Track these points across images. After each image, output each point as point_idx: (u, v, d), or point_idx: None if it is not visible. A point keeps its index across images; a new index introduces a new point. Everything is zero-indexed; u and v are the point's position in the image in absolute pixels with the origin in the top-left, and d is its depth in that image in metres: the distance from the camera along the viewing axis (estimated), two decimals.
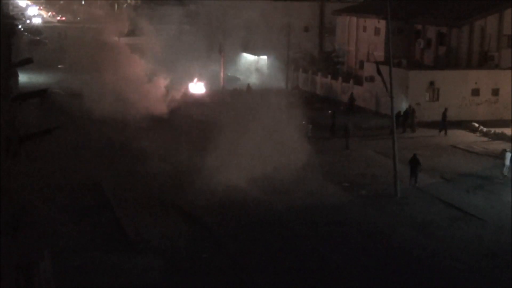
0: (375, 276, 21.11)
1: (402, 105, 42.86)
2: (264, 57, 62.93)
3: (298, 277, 20.99)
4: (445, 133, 41.06)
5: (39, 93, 14.16)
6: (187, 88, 50.88)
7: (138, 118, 40.89)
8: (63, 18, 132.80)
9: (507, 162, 31.59)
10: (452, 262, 22.29)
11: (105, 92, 43.58)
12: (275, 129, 31.44)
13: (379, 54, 50.42)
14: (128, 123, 39.95)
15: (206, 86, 52.89)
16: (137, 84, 45.27)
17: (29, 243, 12.20)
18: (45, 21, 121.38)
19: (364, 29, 56.68)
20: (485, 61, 47.51)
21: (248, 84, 54.02)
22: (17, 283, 11.20)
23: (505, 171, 31.53)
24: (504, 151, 32.34)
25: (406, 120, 41.97)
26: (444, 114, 41.51)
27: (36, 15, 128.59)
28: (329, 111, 43.21)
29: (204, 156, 33.93)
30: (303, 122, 38.79)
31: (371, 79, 46.80)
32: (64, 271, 20.00)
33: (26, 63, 17.59)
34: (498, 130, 40.55)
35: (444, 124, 41.37)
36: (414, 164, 30.71)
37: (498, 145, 37.16)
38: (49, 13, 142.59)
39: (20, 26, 73.81)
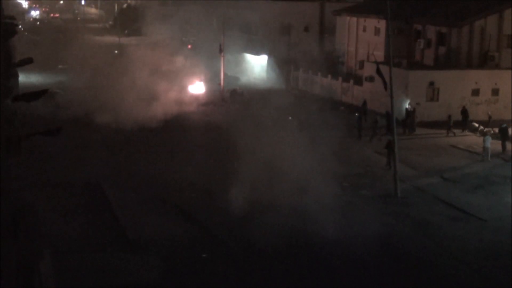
0: (375, 276, 21.12)
1: (402, 105, 42.86)
2: (265, 57, 62.96)
3: (298, 276, 21.01)
4: (462, 131, 41.88)
5: (40, 94, 14.14)
6: (187, 88, 50.86)
7: (138, 121, 40.83)
8: (57, 15, 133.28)
9: (487, 144, 34.90)
10: (452, 262, 22.30)
11: (105, 93, 43.57)
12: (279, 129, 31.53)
13: (379, 54, 50.40)
14: (128, 124, 39.90)
15: (206, 86, 52.86)
16: (137, 85, 45.24)
17: (29, 243, 12.19)
18: (41, 19, 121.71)
19: (364, 29, 56.68)
20: (485, 61, 47.52)
21: (235, 90, 53.10)
22: (17, 283, 11.20)
23: (486, 154, 34.85)
24: (485, 134, 36.22)
25: (407, 120, 42.03)
26: (464, 112, 42.29)
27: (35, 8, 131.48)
28: (356, 114, 43.19)
29: (203, 155, 33.98)
30: (289, 118, 38.99)
31: (371, 79, 46.79)
32: (64, 271, 20.01)
33: (26, 63, 17.55)
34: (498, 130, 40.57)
35: (465, 122, 42.11)
36: (390, 149, 32.09)
37: (497, 145, 37.16)
38: (43, 9, 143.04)
39: (20, 26, 73.77)
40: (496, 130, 40.67)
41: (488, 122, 41.78)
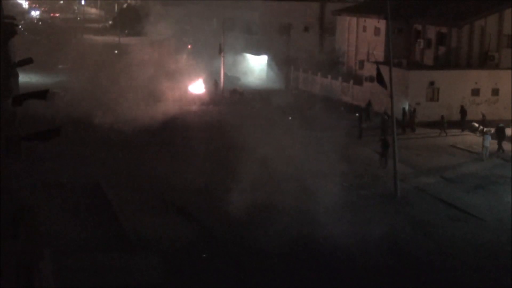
0: (375, 276, 21.11)
1: (402, 106, 42.90)
2: (265, 57, 62.98)
3: (298, 275, 21.00)
4: (462, 130, 42.31)
5: (40, 94, 14.17)
6: (187, 87, 50.89)
7: (138, 121, 40.78)
8: (57, 15, 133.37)
9: (487, 143, 35.49)
10: (452, 262, 22.31)
11: (105, 93, 43.55)
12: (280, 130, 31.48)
13: (379, 54, 50.43)
14: (128, 124, 39.86)
15: (206, 85, 52.90)
16: (137, 85, 45.24)
17: (29, 243, 12.19)
18: (41, 19, 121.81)
19: (364, 29, 56.69)
20: (485, 61, 47.54)
21: (235, 90, 53.77)
22: (17, 283, 11.20)
23: (484, 152, 35.43)
24: (485, 133, 36.95)
25: (403, 120, 42.08)
26: (462, 112, 42.69)
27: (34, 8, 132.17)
28: (356, 114, 43.20)
29: (200, 156, 34.00)
30: (289, 118, 39.01)
31: (371, 79, 46.80)
32: (64, 271, 20.00)
33: (26, 63, 17.58)
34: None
35: (463, 122, 42.55)
36: (385, 146, 33.19)
37: (496, 144, 37.26)
38: (42, 9, 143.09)
39: (20, 26, 73.76)
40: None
41: (482, 122, 41.81)
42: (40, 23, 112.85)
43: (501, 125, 38.15)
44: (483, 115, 42.48)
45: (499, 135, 37.10)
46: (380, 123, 40.88)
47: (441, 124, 41.38)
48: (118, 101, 41.97)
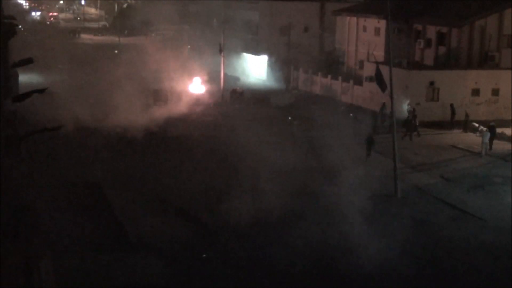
0: (375, 276, 21.10)
1: (403, 106, 42.90)
2: (265, 57, 62.99)
3: (298, 275, 21.00)
4: (451, 128, 42.61)
5: (38, 93, 14.17)
6: (187, 88, 50.87)
7: (138, 121, 40.79)
8: (56, 14, 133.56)
9: (486, 140, 36.22)
10: (452, 262, 22.30)
11: (105, 93, 43.57)
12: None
13: (379, 54, 50.43)
14: (127, 124, 39.88)
15: (206, 86, 52.88)
16: (136, 85, 45.23)
17: (29, 243, 12.20)
18: (42, 20, 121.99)
19: (364, 29, 56.72)
20: (485, 61, 47.55)
21: (235, 90, 53.37)
22: (17, 283, 11.20)
23: (485, 148, 36.05)
24: (483, 130, 37.82)
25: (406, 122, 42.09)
26: (452, 111, 43.04)
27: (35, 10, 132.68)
28: (350, 114, 43.25)
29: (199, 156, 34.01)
30: (289, 118, 38.92)
31: (371, 79, 46.80)
32: (64, 271, 20.00)
33: (26, 63, 17.58)
34: (498, 130, 40.46)
35: (452, 120, 42.90)
36: (369, 142, 34.59)
37: (498, 145, 37.29)
38: (40, 8, 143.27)
39: (20, 26, 73.73)
40: (497, 130, 40.87)
41: (466, 121, 41.98)
42: (48, 22, 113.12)
43: (492, 123, 38.54)
44: (467, 115, 42.53)
45: (491, 133, 37.45)
46: (373, 121, 41.07)
47: (414, 125, 41.42)
48: (117, 102, 41.96)
